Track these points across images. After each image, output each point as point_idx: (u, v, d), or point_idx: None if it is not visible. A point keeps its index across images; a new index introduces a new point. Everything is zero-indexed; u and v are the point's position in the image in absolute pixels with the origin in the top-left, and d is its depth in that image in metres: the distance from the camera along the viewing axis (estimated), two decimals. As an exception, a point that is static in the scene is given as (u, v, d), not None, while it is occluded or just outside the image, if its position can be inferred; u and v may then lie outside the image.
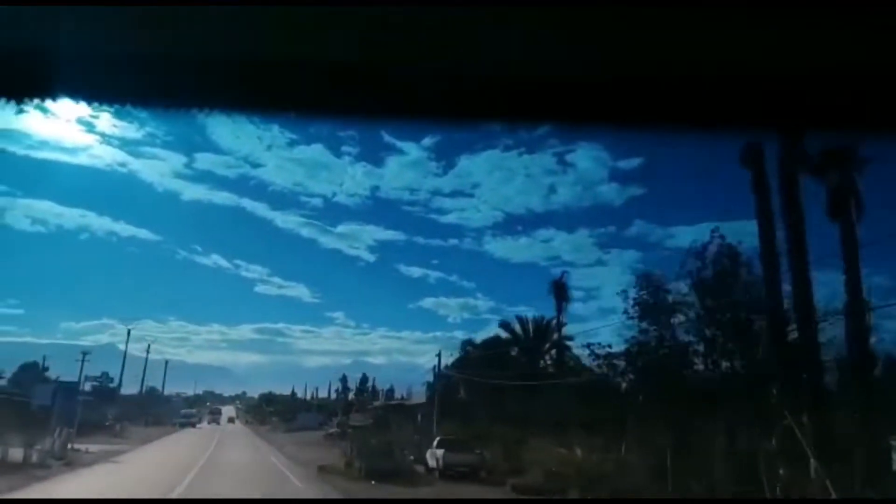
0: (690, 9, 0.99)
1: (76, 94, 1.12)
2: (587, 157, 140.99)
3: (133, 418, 59.75)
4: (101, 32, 1.04)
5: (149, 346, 76.31)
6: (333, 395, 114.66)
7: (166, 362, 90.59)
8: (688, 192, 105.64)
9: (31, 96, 1.12)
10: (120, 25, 1.03)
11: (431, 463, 22.46)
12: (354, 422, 51.46)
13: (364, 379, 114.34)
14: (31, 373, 56.64)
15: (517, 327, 34.68)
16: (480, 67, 1.06)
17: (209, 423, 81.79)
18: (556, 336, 32.94)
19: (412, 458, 24.13)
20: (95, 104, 1.15)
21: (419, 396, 47.46)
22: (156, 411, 72.44)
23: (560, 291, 32.14)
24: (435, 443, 22.80)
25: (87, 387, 49.87)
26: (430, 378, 44.87)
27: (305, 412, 79.60)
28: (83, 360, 55.10)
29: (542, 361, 33.96)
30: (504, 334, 35.41)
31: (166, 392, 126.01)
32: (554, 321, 32.83)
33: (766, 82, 1.05)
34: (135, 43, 1.05)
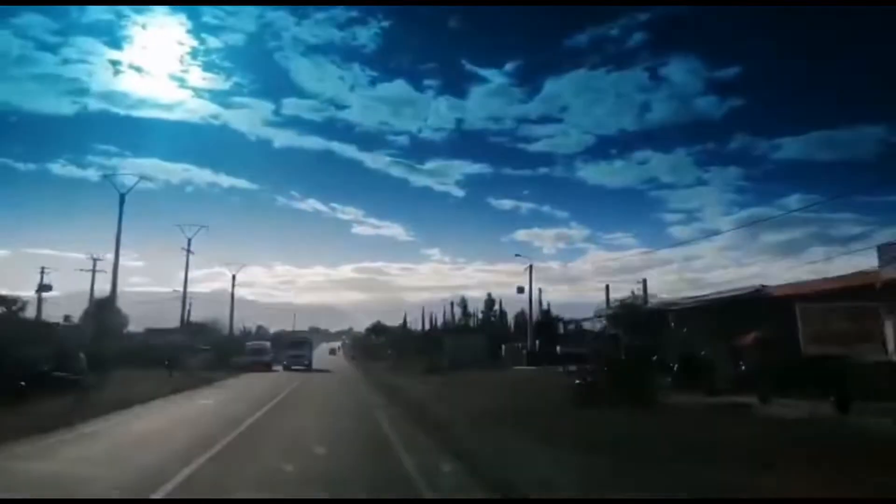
0: None
1: None
2: (681, 70, 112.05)
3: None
4: None
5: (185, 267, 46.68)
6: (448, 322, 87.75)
7: (233, 278, 61.45)
8: (793, 98, 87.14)
9: None
10: None
11: None
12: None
13: (490, 301, 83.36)
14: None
15: None
16: None
17: (290, 365, 46.93)
18: None
19: None
20: None
21: None
22: (204, 354, 43.24)
23: None
24: None
25: None
26: None
27: (459, 336, 47.21)
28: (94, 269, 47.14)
29: None
30: None
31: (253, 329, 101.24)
32: None
33: None
34: None
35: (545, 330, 39.03)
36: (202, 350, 45.85)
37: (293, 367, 45.43)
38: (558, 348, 33.94)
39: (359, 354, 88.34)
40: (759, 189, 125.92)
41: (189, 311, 46.94)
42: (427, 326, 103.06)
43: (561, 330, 40.00)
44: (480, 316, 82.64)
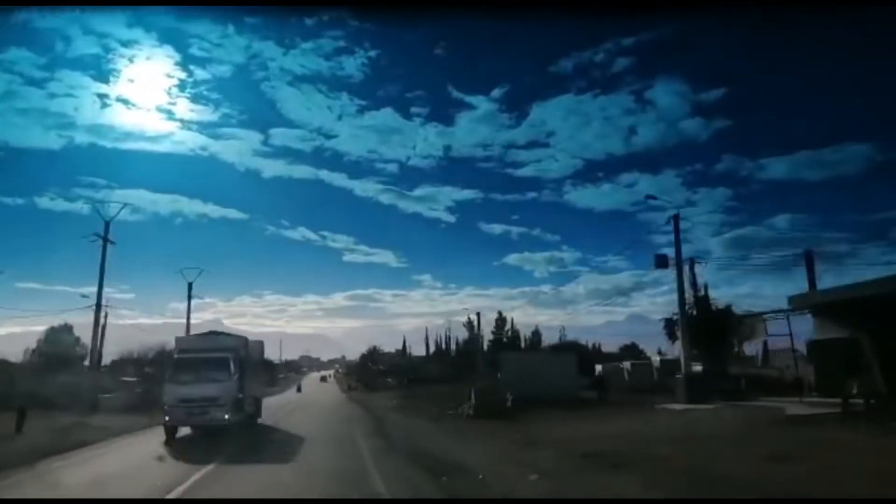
0: None
1: None
2: (667, 92, 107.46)
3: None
4: None
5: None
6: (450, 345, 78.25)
7: (189, 287, 46.23)
8: (779, 118, 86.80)
9: None
10: None
11: None
12: None
13: (501, 320, 69.85)
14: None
15: None
16: None
17: (177, 421, 17.18)
18: None
19: None
20: None
21: None
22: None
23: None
24: None
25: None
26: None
27: (525, 354, 32.00)
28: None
29: None
30: None
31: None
32: None
33: None
34: None
35: (711, 333, 23.01)
36: (129, 384, 30.72)
37: (197, 426, 17.85)
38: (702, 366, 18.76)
39: (354, 383, 72.96)
40: (749, 209, 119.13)
41: (103, 335, 31.30)
42: (431, 349, 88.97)
43: (766, 333, 24.07)
44: (491, 336, 68.64)
